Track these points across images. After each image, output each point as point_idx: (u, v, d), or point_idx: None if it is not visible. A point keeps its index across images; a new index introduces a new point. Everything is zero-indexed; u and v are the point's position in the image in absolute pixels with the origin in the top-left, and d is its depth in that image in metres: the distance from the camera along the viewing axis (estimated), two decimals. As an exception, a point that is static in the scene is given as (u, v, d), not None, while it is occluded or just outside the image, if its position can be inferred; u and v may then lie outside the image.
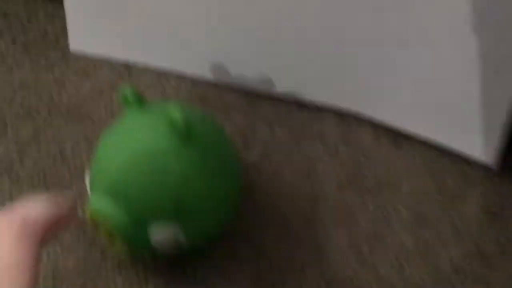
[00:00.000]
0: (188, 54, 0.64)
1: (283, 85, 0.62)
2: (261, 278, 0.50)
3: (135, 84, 0.64)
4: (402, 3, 0.52)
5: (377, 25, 0.55)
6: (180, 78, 0.65)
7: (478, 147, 0.56)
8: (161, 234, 0.46)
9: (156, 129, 0.46)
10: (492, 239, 0.53)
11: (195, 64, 0.64)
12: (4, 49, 0.69)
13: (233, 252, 0.52)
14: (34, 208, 0.35)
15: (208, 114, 0.50)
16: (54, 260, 0.51)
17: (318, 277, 0.50)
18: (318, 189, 0.56)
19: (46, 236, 0.34)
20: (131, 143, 0.47)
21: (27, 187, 0.56)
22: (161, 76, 0.66)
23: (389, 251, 0.52)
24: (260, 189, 0.56)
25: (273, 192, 0.56)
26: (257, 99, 0.63)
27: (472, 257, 0.52)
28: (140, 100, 0.49)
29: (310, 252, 0.52)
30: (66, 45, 0.68)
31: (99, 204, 0.46)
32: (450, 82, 0.54)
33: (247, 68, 0.62)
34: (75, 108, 0.63)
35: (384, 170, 0.58)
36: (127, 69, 0.67)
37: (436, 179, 0.57)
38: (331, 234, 0.53)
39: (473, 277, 0.50)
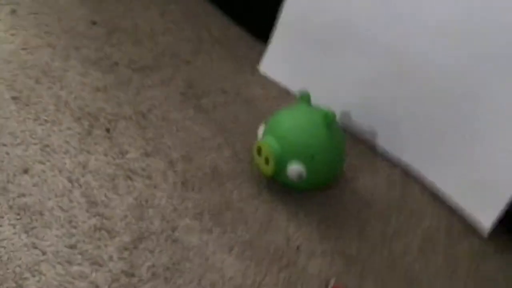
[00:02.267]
0: (326, 99, 1.02)
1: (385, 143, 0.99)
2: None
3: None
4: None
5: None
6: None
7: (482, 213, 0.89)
8: (294, 168, 0.82)
9: (314, 115, 0.85)
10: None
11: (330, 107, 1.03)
12: (221, 55, 1.10)
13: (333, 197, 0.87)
14: None
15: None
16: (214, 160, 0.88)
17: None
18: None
19: None
20: (298, 117, 0.86)
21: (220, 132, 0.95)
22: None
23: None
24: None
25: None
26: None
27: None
28: (309, 100, 0.88)
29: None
30: (257, 66, 1.09)
31: (267, 139, 0.84)
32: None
33: (362, 122, 1.00)
34: (251, 100, 1.03)
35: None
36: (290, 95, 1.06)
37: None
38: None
39: None
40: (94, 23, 1.10)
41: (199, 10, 1.22)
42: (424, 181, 0.96)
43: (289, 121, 0.86)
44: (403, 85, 0.95)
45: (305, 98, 0.88)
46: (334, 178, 0.90)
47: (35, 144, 0.83)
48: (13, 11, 1.06)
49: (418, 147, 0.96)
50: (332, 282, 0.77)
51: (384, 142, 0.99)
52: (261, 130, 0.88)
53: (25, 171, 0.79)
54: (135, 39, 1.09)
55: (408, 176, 0.96)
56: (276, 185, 0.88)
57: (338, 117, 1.01)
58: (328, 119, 0.84)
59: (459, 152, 0.91)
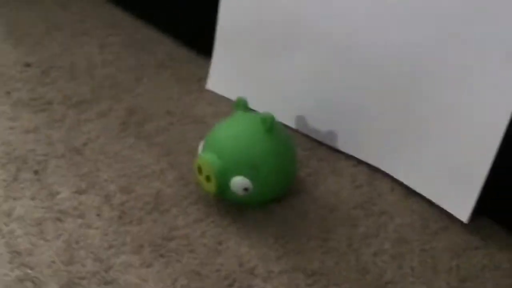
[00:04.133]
0: (279, 106, 0.95)
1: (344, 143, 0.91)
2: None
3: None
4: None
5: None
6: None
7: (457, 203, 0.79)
8: (237, 181, 0.74)
9: (252, 121, 0.77)
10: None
11: (284, 113, 0.95)
12: (165, 79, 1.04)
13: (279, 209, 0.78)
14: None
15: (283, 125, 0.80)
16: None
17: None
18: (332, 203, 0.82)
19: None
20: (235, 126, 0.78)
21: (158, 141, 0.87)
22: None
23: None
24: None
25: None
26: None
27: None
28: (246, 107, 0.80)
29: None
30: (204, 84, 1.02)
31: (207, 155, 0.76)
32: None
33: (320, 124, 0.92)
34: (199, 119, 0.95)
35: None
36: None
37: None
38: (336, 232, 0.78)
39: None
40: (27, 65, 1.05)
41: (141, 37, 1.16)
42: (393, 182, 0.87)
43: (226, 132, 0.78)
44: (357, 80, 0.87)
45: (240, 104, 0.80)
46: (286, 187, 0.81)
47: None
48: None
49: (381, 144, 0.87)
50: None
51: (345, 144, 0.91)
52: (200, 146, 0.80)
53: None
54: (71, 76, 1.03)
55: (375, 174, 0.87)
56: (226, 204, 0.80)
57: (293, 122, 0.94)
58: (267, 123, 0.76)
59: (424, 142, 0.82)
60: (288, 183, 0.82)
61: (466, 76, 0.76)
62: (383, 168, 0.88)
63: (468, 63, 0.75)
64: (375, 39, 0.84)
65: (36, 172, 0.82)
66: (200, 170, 0.77)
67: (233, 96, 0.90)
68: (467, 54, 0.75)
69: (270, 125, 0.76)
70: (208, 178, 0.76)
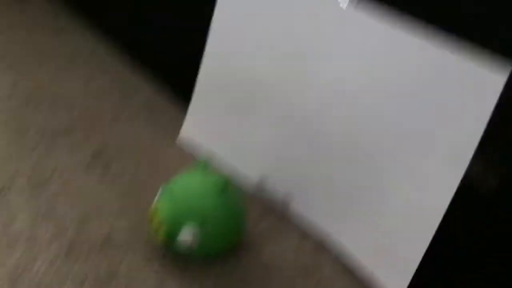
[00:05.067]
0: (243, 160, 0.99)
1: (297, 204, 0.95)
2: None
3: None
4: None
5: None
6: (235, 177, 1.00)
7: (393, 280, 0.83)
8: (185, 232, 0.78)
9: (208, 180, 0.81)
10: None
11: (246, 168, 0.99)
12: (142, 122, 1.08)
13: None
14: None
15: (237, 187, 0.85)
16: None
17: None
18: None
19: None
20: (193, 181, 0.82)
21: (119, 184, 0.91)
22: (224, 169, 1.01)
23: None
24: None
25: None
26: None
27: None
28: (206, 166, 0.84)
29: None
30: (177, 134, 1.06)
31: (160, 203, 0.80)
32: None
33: (277, 184, 0.96)
34: (165, 168, 0.99)
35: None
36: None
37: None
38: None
39: None
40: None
41: (127, 78, 1.22)
42: (337, 251, 0.90)
43: (183, 184, 0.82)
44: (313, 145, 0.92)
45: (202, 164, 0.85)
46: (233, 243, 0.85)
47: None
48: None
49: (331, 210, 0.91)
50: None
51: (298, 206, 0.95)
52: (158, 193, 0.84)
53: None
54: (53, 106, 1.08)
55: (321, 245, 0.91)
56: (171, 255, 0.83)
57: (254, 183, 0.98)
58: (220, 186, 0.81)
59: (370, 214, 0.87)
60: (235, 240, 0.86)
61: (410, 164, 0.81)
62: (330, 232, 0.91)
63: (414, 153, 0.81)
64: (328, 112, 0.89)
65: (-2, 196, 0.86)
66: (154, 215, 0.81)
67: (204, 146, 0.95)
68: (413, 146, 0.81)
69: (223, 188, 0.81)
70: (160, 224, 0.80)
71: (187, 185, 0.82)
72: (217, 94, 1.03)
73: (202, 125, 1.06)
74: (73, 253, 0.80)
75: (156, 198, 0.83)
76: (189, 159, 1.03)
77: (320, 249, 0.90)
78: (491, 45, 0.73)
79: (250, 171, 0.99)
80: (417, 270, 0.81)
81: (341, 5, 0.85)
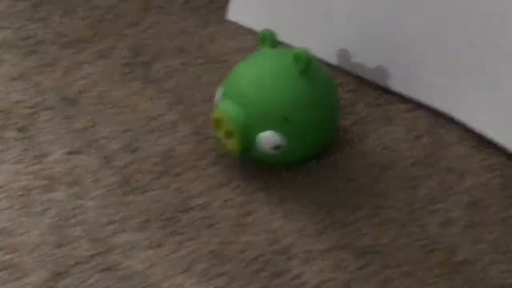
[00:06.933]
0: (315, 39, 0.78)
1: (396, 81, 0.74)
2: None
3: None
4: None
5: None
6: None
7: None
8: (266, 138, 0.59)
9: (282, 60, 0.61)
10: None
11: (321, 48, 0.78)
12: (178, 8, 0.87)
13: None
14: None
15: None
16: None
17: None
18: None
19: None
20: (260, 67, 0.61)
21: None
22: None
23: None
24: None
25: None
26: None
27: None
28: (274, 41, 0.63)
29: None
30: (224, 14, 0.85)
31: (227, 107, 0.60)
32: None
33: (366, 60, 0.75)
34: (219, 56, 0.79)
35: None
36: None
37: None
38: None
39: None
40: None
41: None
42: (460, 125, 0.70)
43: (250, 75, 0.61)
44: (412, 4, 0.69)
45: (267, 39, 0.63)
46: (327, 141, 0.65)
47: None
48: None
49: (443, 83, 0.70)
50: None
51: (398, 83, 0.73)
52: (219, 93, 0.65)
53: None
54: (66, 9, 0.87)
55: (439, 121, 0.70)
56: (252, 165, 0.64)
57: (334, 58, 0.77)
58: (301, 62, 0.59)
59: (498, 80, 0.65)
60: (329, 136, 0.65)
61: None
62: (448, 112, 0.71)
63: None
64: None
65: (21, 130, 0.68)
66: (218, 124, 0.62)
67: (259, 28, 0.73)
68: None
69: (305, 64, 0.59)
70: (229, 134, 0.61)
71: (255, 74, 0.61)
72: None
73: (254, 2, 0.84)
74: (129, 185, 0.62)
75: (218, 98, 0.64)
76: (244, 43, 0.81)
77: (437, 130, 0.69)
78: None
79: (325, 48, 0.77)
80: None
81: None
